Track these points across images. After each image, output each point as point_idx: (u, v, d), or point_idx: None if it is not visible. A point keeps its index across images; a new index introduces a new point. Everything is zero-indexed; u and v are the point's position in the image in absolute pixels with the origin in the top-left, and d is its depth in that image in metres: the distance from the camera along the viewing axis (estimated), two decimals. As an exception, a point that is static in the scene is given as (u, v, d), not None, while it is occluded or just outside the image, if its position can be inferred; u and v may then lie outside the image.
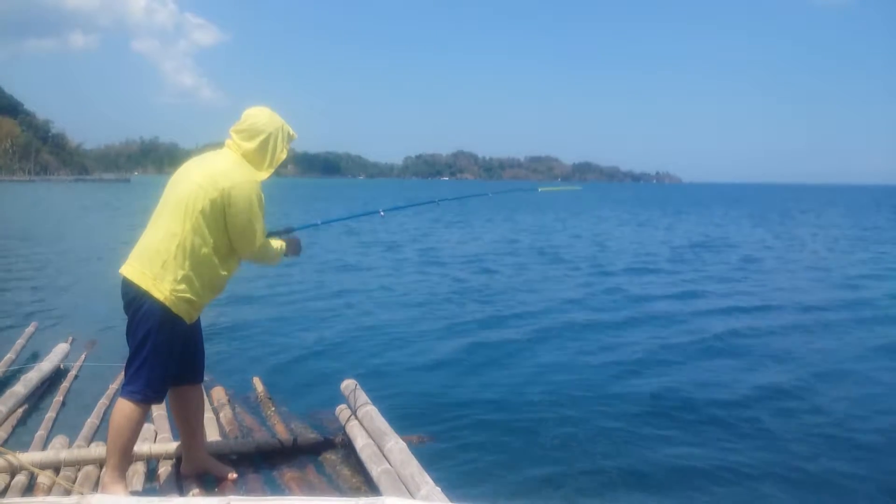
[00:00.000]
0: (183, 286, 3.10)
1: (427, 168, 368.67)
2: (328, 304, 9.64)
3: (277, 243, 3.47)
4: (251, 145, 3.28)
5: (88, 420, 4.48)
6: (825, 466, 4.32)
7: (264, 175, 3.30)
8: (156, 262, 3.09)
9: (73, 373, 5.67)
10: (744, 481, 4.09)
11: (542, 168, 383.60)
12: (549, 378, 6.07)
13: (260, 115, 3.33)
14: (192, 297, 3.15)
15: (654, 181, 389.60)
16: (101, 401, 4.87)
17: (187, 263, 3.10)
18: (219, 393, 5.09)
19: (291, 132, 3.44)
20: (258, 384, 5.38)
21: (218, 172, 3.16)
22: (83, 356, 6.17)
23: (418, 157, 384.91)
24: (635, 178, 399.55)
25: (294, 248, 3.62)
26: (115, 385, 5.14)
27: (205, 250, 3.13)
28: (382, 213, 4.29)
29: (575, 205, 51.03)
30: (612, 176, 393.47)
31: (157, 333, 3.09)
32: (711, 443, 4.66)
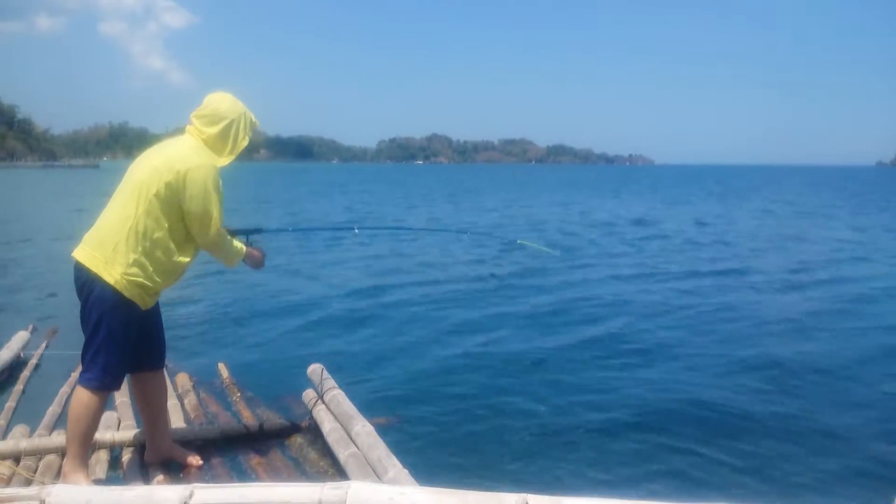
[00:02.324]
0: (135, 270, 3.04)
1: (401, 152, 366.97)
2: (294, 288, 9.58)
3: (237, 244, 3.40)
4: (212, 131, 3.23)
5: (50, 409, 4.40)
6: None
7: (224, 161, 3.25)
8: (107, 245, 3.04)
9: (33, 361, 5.57)
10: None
11: (516, 150, 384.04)
12: (517, 363, 6.08)
13: (222, 101, 3.28)
14: (145, 282, 3.09)
15: (627, 163, 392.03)
16: (62, 388, 4.79)
17: (140, 247, 3.04)
18: (183, 379, 5.03)
19: (254, 120, 3.37)
20: (223, 370, 5.32)
21: (176, 156, 3.11)
22: (44, 344, 6.05)
23: (392, 140, 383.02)
24: (609, 160, 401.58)
25: (255, 261, 3.53)
26: (76, 373, 5.03)
27: (158, 234, 3.07)
28: (356, 231, 4.31)
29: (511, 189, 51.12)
30: (585, 158, 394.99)
31: (110, 318, 3.04)
32: (694, 425, 4.71)
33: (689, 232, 18.39)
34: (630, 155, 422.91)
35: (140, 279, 3.07)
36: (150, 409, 3.55)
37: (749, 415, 4.85)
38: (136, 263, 3.04)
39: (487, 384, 5.43)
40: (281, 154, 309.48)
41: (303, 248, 14.38)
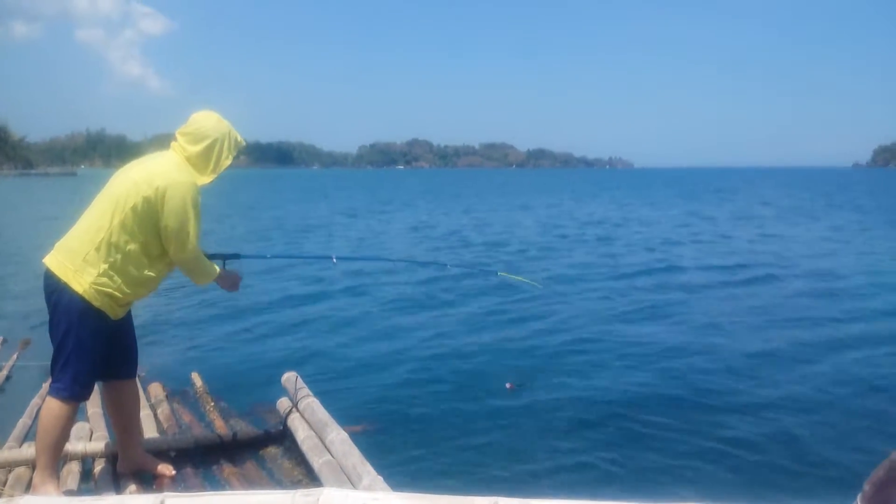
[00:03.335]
0: (104, 280, 3.03)
1: (382, 157, 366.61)
2: (267, 296, 9.54)
3: (210, 265, 3.37)
4: (196, 149, 3.22)
5: (20, 420, 4.35)
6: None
7: (206, 180, 3.24)
8: (78, 254, 3.02)
9: (3, 373, 5.50)
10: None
11: (496, 155, 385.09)
12: (492, 367, 6.11)
13: (207, 120, 3.27)
14: (115, 293, 3.07)
15: (608, 166, 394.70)
16: (33, 400, 4.74)
17: (111, 259, 3.03)
18: (156, 389, 4.99)
19: (239, 139, 3.37)
20: (197, 379, 5.29)
21: (157, 172, 3.10)
22: (15, 355, 5.98)
23: (373, 145, 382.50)
24: (588, 163, 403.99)
25: (230, 282, 3.51)
26: (48, 384, 4.98)
27: (131, 247, 3.06)
28: (335, 261, 4.22)
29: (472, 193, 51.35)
30: (566, 162, 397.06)
31: (78, 327, 3.02)
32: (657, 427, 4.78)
33: (632, 234, 18.56)
34: (610, 158, 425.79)
35: (109, 290, 3.05)
36: (121, 419, 3.52)
37: (717, 415, 4.92)
38: (105, 274, 3.03)
39: (459, 391, 5.44)
40: (261, 160, 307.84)
41: (278, 247, 14.36)
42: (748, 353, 6.49)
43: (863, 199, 39.29)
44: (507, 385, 5.30)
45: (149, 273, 3.16)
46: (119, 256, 3.04)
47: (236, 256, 3.67)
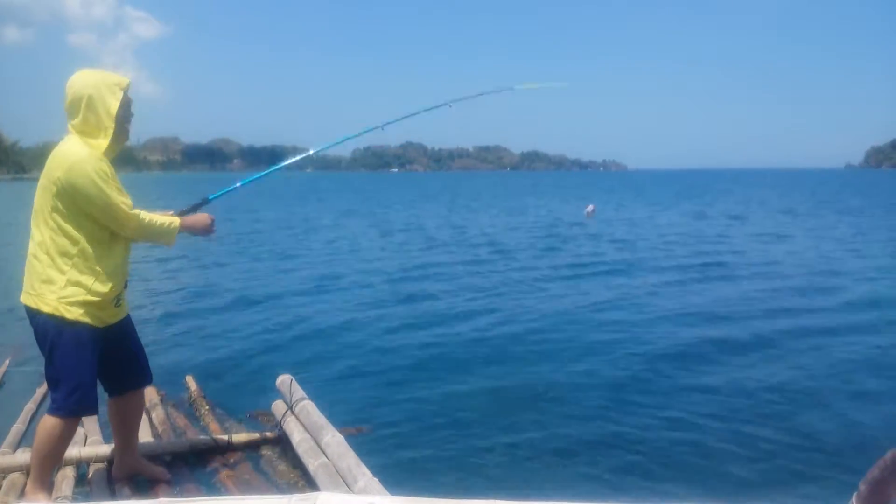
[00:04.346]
0: (70, 290, 2.92)
1: (376, 160, 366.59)
2: (261, 297, 9.53)
3: (166, 219, 3.14)
4: (78, 118, 2.94)
5: (14, 426, 4.32)
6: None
7: (103, 143, 2.95)
8: (36, 278, 2.94)
9: (-4, 378, 5.46)
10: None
11: (491, 157, 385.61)
12: (487, 368, 6.11)
13: (74, 82, 2.95)
14: (88, 297, 2.95)
15: (601, 168, 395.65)
16: (27, 405, 4.71)
17: (66, 266, 2.91)
18: (150, 393, 4.95)
19: (119, 80, 3.02)
20: (191, 383, 5.27)
21: (54, 165, 2.90)
22: (7, 361, 5.95)
23: (367, 148, 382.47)
24: (583, 165, 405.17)
25: (199, 227, 3.28)
26: (42, 389, 4.97)
27: (79, 247, 2.91)
28: (312, 153, 4.29)
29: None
30: (559, 164, 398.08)
31: (59, 346, 2.95)
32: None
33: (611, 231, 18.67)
34: (604, 160, 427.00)
35: (80, 297, 2.93)
36: (124, 427, 3.47)
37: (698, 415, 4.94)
38: (69, 284, 2.92)
39: (455, 392, 5.44)
40: (255, 164, 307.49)
41: (271, 252, 14.37)
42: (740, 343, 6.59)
43: (852, 199, 39.51)
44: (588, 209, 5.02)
45: (110, 261, 3.00)
46: (72, 261, 2.92)
47: (205, 202, 3.44)
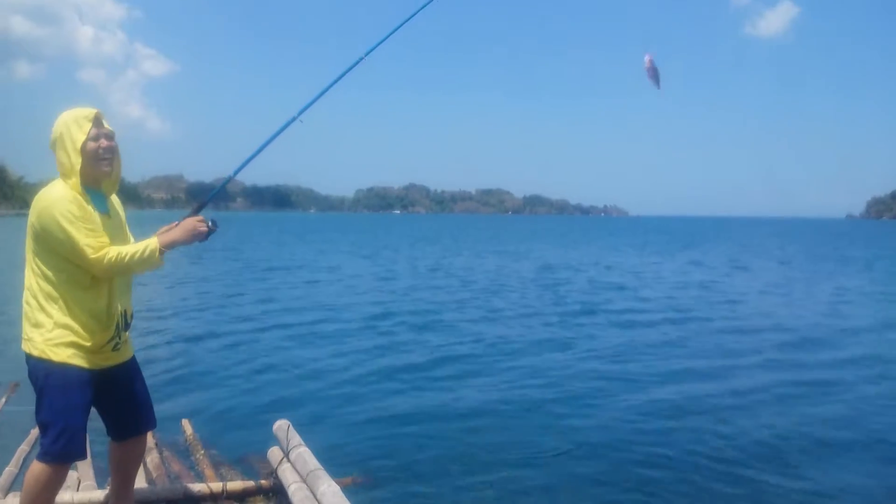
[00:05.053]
0: (56, 332, 2.85)
1: (379, 201, 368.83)
2: (260, 339, 9.51)
3: (140, 246, 2.91)
4: (56, 157, 2.89)
5: (7, 469, 4.26)
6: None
7: (73, 179, 2.84)
8: (27, 322, 2.91)
9: (-8, 418, 5.41)
10: None
11: (493, 201, 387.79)
12: (485, 418, 6.06)
13: (54, 124, 2.92)
14: (77, 340, 2.87)
15: (603, 214, 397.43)
16: (20, 447, 4.66)
17: (51, 309, 2.86)
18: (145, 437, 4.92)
19: (87, 112, 2.92)
20: (187, 427, 5.22)
21: (31, 208, 2.87)
22: (3, 399, 5.90)
23: (370, 189, 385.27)
24: (584, 210, 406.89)
25: (185, 234, 3.00)
26: (36, 431, 4.91)
27: (62, 290, 2.85)
28: (301, 120, 3.47)
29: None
30: (562, 209, 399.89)
31: (47, 389, 2.88)
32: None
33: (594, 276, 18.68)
34: (605, 206, 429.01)
35: (67, 339, 2.86)
36: (121, 474, 3.36)
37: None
38: (56, 326, 2.86)
39: (455, 441, 5.39)
40: (258, 203, 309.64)
41: (269, 291, 14.36)
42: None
43: (850, 250, 39.63)
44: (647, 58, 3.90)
45: (97, 304, 2.91)
46: (58, 304, 2.86)
47: (202, 205, 3.20)
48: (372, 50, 3.57)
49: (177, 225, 3.04)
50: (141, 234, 3.16)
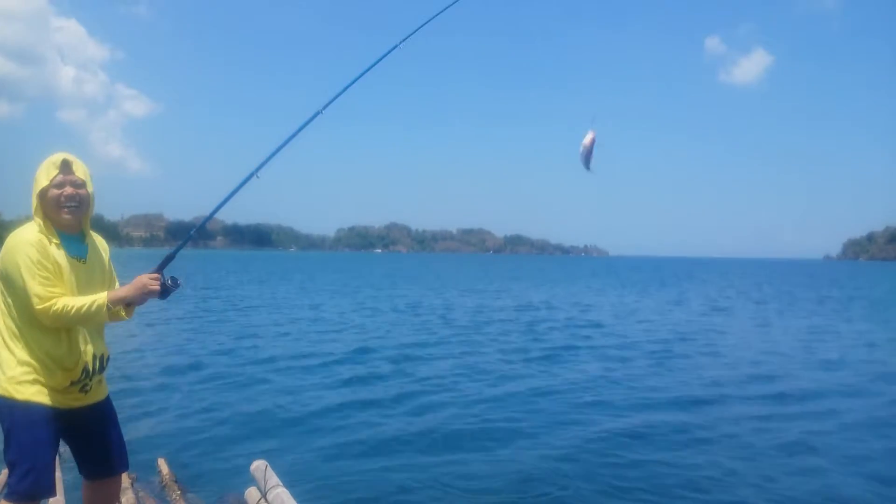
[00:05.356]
0: (18, 370, 2.82)
1: (360, 240, 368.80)
2: (238, 376, 9.42)
3: (87, 300, 2.85)
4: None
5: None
6: None
7: (38, 222, 2.86)
8: None
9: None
10: None
11: (474, 240, 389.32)
12: (467, 452, 6.05)
13: None
14: (40, 378, 2.84)
15: (583, 254, 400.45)
16: (-9, 489, 4.55)
17: (15, 348, 2.84)
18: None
19: (55, 158, 2.92)
20: (163, 466, 5.13)
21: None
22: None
23: (351, 228, 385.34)
24: (564, 250, 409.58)
25: (134, 294, 2.92)
26: (6, 471, 4.80)
27: (26, 330, 2.84)
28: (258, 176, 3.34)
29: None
30: (542, 248, 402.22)
31: (12, 428, 2.84)
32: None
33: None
34: (585, 246, 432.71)
35: (32, 376, 2.83)
36: None
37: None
38: (19, 364, 2.83)
39: (439, 476, 5.37)
40: (238, 242, 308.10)
41: (249, 328, 14.24)
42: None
43: (827, 290, 40.33)
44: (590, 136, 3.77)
45: (60, 347, 2.87)
46: (22, 342, 2.84)
47: (169, 258, 3.10)
48: (329, 104, 3.44)
49: (128, 285, 2.96)
50: (120, 275, 3.15)
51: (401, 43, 3.66)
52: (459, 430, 6.75)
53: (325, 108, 3.46)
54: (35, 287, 2.77)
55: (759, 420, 7.45)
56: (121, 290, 2.94)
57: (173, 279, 3.01)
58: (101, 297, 2.87)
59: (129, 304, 2.97)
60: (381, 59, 3.62)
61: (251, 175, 3.31)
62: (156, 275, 2.97)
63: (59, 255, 2.87)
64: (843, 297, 33.07)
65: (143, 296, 2.93)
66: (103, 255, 3.12)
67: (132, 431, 6.28)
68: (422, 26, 3.78)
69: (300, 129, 3.40)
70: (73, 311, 2.81)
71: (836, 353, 13.23)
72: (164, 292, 2.97)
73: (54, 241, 2.88)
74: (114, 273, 3.17)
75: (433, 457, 5.83)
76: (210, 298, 24.95)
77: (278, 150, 3.34)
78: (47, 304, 2.78)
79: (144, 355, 11.17)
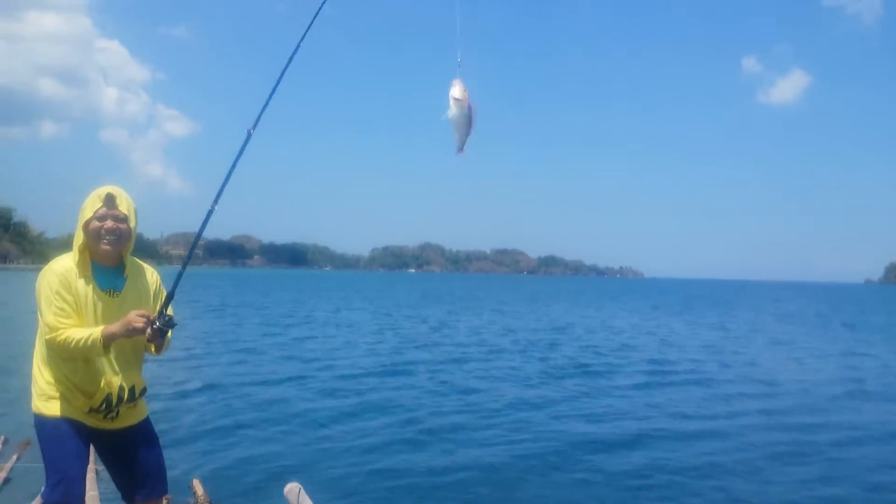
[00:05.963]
0: (45, 388, 2.99)
1: (394, 260, 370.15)
2: (274, 396, 9.46)
3: (84, 334, 2.86)
4: None
5: (16, 526, 4.24)
6: None
7: (76, 255, 2.96)
8: (32, 381, 3.06)
9: (2, 474, 5.40)
10: None
11: (507, 261, 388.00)
12: (504, 475, 6.01)
13: None
14: (66, 394, 2.97)
15: (618, 275, 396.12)
16: (32, 503, 4.63)
17: (45, 369, 3.00)
18: (157, 496, 4.87)
19: (100, 192, 3.00)
20: (198, 487, 5.16)
21: None
22: (15, 456, 5.89)
23: (385, 248, 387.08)
24: (599, 272, 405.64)
25: (121, 331, 2.86)
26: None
27: (50, 353, 2.97)
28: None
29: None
30: (577, 269, 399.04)
31: (42, 441, 3.00)
32: None
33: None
34: (620, 267, 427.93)
35: (60, 391, 2.97)
36: None
37: None
38: (47, 383, 2.99)
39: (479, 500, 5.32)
40: (275, 261, 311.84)
41: (286, 347, 14.31)
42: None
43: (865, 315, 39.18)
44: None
45: (74, 375, 2.97)
46: (49, 365, 2.99)
47: (170, 297, 3.02)
48: (257, 123, 3.33)
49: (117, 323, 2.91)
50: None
51: (300, 42, 3.43)
52: (501, 454, 6.68)
53: (254, 127, 3.33)
54: (48, 317, 2.90)
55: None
56: (113, 326, 2.91)
57: (167, 320, 2.91)
58: (95, 332, 2.88)
59: (118, 339, 2.90)
60: (288, 63, 3.41)
61: (211, 211, 3.20)
62: (144, 312, 2.90)
63: (86, 288, 2.96)
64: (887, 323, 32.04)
65: (128, 332, 2.89)
66: (148, 287, 3.15)
67: (166, 452, 6.33)
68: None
69: (241, 153, 3.28)
70: (73, 343, 2.88)
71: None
72: (156, 331, 2.89)
73: (85, 273, 2.97)
74: (159, 303, 3.09)
75: (473, 479, 5.78)
76: (250, 316, 25.19)
77: (227, 179, 3.23)
78: (54, 334, 2.89)
79: (181, 373, 11.31)
